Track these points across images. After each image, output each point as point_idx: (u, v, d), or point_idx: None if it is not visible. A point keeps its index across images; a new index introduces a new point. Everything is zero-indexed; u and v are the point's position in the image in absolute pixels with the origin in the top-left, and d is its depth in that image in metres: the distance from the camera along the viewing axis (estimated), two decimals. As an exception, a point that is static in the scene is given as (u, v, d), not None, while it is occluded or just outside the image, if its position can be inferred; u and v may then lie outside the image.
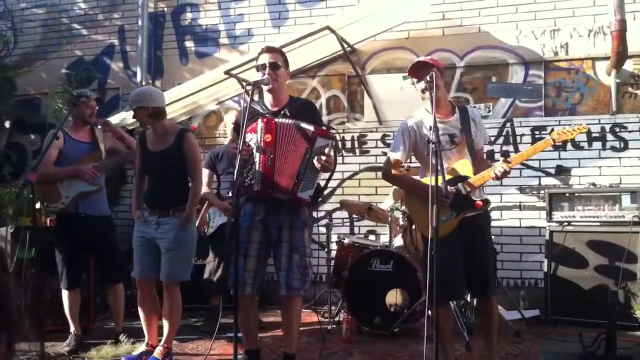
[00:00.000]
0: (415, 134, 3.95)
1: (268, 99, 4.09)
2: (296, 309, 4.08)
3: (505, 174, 3.72)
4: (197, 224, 5.04)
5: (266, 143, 3.83)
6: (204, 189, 5.58)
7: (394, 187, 6.30)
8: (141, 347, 4.69)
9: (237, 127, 4.20)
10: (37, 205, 4.97)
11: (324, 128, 3.89)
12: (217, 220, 5.73)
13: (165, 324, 4.58)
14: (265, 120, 3.87)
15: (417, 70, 3.85)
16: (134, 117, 4.68)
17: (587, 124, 6.31)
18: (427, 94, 3.74)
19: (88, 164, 5.05)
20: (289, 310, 4.06)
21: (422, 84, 3.78)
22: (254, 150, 3.85)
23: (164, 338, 4.58)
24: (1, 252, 1.18)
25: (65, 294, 5.05)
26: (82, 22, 8.32)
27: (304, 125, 3.85)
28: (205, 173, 5.63)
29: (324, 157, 3.80)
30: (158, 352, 4.53)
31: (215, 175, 5.86)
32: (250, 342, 4.14)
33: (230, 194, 5.52)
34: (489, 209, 3.97)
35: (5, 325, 1.12)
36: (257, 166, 3.85)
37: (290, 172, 3.84)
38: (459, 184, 3.74)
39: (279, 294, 3.99)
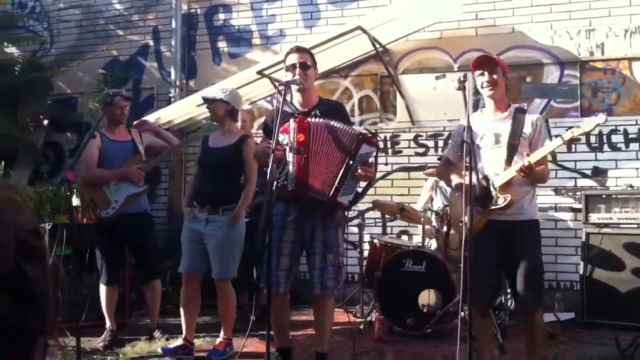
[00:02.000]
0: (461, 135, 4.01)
1: (297, 99, 4.10)
2: (329, 308, 4.10)
3: (526, 169, 3.61)
4: None
5: (299, 143, 3.84)
6: None
7: (426, 187, 6.31)
8: (177, 341, 4.77)
9: (265, 129, 4.24)
10: (75, 203, 5.06)
11: (370, 134, 3.92)
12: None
13: (223, 320, 4.80)
14: (297, 120, 3.88)
15: (482, 66, 3.84)
16: (209, 109, 4.90)
17: (624, 125, 6.32)
18: (485, 90, 3.80)
19: (131, 167, 5.14)
20: (322, 310, 4.07)
21: (479, 80, 3.81)
22: (287, 151, 3.87)
23: (222, 331, 4.77)
24: (43, 252, 1.18)
25: (103, 289, 5.12)
26: (117, 22, 8.43)
27: (347, 128, 3.88)
28: None
29: (365, 168, 3.84)
30: (218, 342, 4.73)
31: None
32: (283, 340, 4.15)
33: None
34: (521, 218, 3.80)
35: (43, 329, 1.12)
36: (290, 166, 3.86)
37: (328, 174, 3.85)
38: (482, 179, 3.69)
39: (313, 293, 4.00)
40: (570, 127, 6.31)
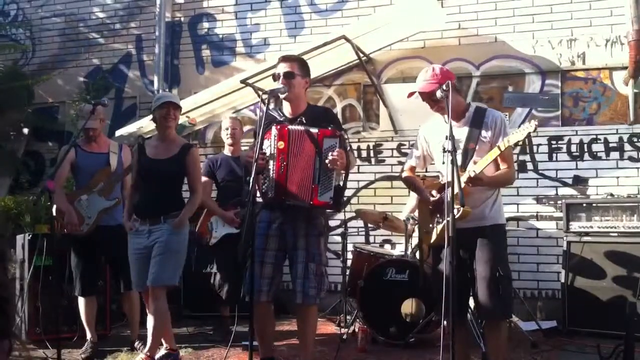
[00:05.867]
0: (424, 141, 3.99)
1: (286, 107, 4.11)
2: (312, 317, 4.09)
3: (471, 181, 3.53)
4: (190, 231, 5.04)
5: (279, 150, 3.86)
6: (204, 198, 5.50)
7: (413, 195, 6.30)
8: (161, 351, 4.63)
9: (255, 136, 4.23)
10: (55, 213, 5.02)
11: (328, 129, 3.88)
12: (220, 230, 5.62)
13: (149, 332, 4.49)
14: (278, 127, 3.89)
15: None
16: (168, 118, 4.56)
17: (605, 135, 6.38)
18: (442, 94, 3.64)
19: (99, 180, 5.09)
20: (305, 319, 4.06)
21: (437, 93, 3.66)
22: (269, 158, 3.88)
23: (147, 346, 4.52)
24: (4, 257, 1.17)
25: (81, 300, 5.07)
26: (99, 31, 8.38)
27: (310, 129, 3.87)
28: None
29: (332, 157, 3.78)
30: (161, 356, 4.50)
31: (214, 184, 5.78)
32: (266, 350, 4.13)
33: (232, 202, 5.55)
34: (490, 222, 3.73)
35: (7, 332, 1.11)
36: (271, 173, 3.87)
37: (303, 179, 3.86)
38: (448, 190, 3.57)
39: (295, 302, 3.99)
40: (551, 137, 6.49)
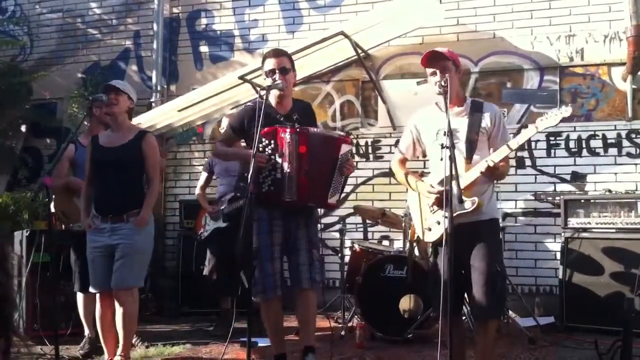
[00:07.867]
0: (414, 129, 3.89)
1: (276, 102, 4.11)
2: (314, 302, 4.14)
3: (493, 169, 3.48)
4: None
5: (300, 155, 3.89)
6: (197, 190, 5.99)
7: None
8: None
9: (234, 131, 4.26)
10: (53, 209, 5.01)
11: (345, 135, 4.04)
12: (212, 224, 5.80)
13: (120, 334, 4.37)
14: (297, 131, 3.91)
15: (431, 61, 3.68)
16: (110, 104, 4.39)
17: (603, 131, 6.38)
18: (436, 89, 3.59)
19: None
20: (308, 304, 4.07)
21: (434, 79, 3.62)
22: (282, 160, 3.89)
23: (120, 347, 4.39)
24: (5, 256, 1.16)
25: (79, 296, 5.06)
26: (97, 27, 8.37)
27: (331, 135, 4.10)
28: (202, 176, 6.07)
29: (348, 164, 4.01)
30: None
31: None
32: (280, 346, 4.15)
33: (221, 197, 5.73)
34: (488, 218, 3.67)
35: (4, 331, 1.10)
36: (291, 178, 3.89)
37: (321, 182, 3.96)
38: (439, 183, 3.58)
39: (301, 288, 3.98)
40: (550, 133, 6.48)
